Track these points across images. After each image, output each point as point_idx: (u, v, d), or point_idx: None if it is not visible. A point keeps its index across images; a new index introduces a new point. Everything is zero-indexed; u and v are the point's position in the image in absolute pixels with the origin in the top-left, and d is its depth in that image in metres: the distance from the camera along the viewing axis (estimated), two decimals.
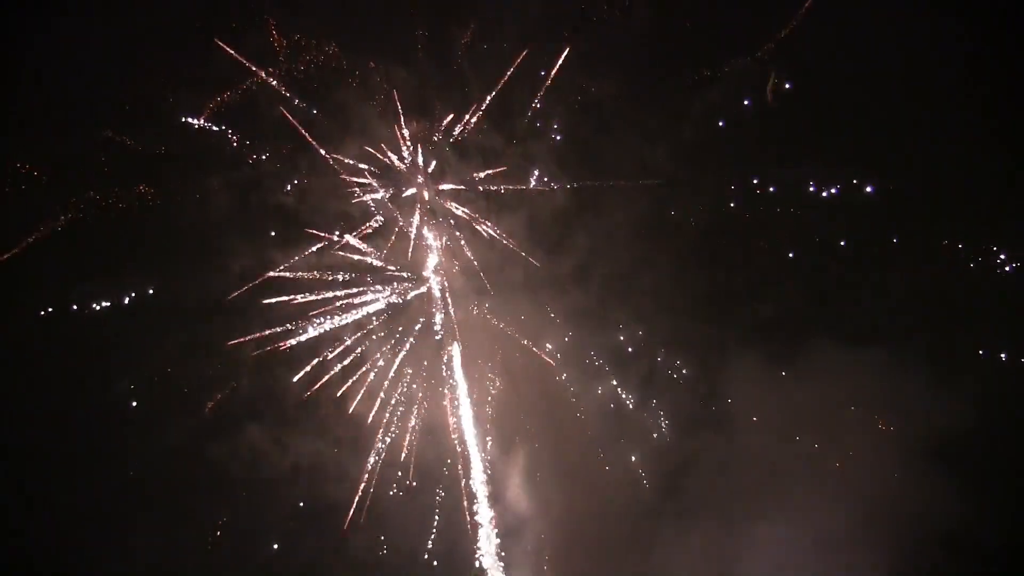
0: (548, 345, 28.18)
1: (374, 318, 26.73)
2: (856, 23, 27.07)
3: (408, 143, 26.12)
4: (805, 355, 27.67)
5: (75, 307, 26.19)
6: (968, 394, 25.71)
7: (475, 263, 26.84)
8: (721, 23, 27.91)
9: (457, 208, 26.78)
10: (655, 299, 28.34)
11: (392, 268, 26.63)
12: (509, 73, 26.03)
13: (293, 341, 25.82)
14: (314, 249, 25.97)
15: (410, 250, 26.42)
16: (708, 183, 28.18)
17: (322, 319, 26.10)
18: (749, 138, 28.24)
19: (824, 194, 28.34)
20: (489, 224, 26.56)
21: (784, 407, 27.82)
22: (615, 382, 28.65)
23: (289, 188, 26.06)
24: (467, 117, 26.37)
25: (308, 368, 25.99)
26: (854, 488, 26.46)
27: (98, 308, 26.10)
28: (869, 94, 27.80)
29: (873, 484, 26.29)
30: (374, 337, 26.73)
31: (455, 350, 27.28)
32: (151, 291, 26.16)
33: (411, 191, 26.61)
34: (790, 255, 29.01)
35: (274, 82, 25.24)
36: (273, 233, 26.35)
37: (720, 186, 28.24)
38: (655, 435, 28.68)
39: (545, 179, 27.29)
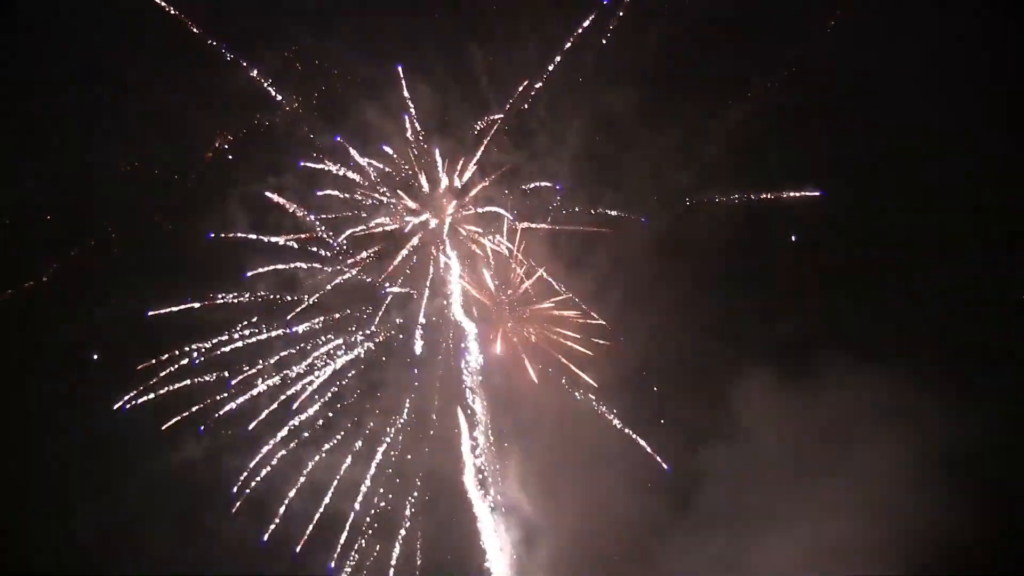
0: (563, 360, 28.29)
1: (392, 339, 26.98)
2: (874, 43, 27.22)
3: (427, 162, 26.35)
4: (818, 370, 27.68)
5: (98, 324, 26.36)
6: (983, 408, 25.74)
7: (494, 281, 27.07)
8: (739, 41, 28.01)
9: (476, 228, 27.04)
10: (671, 316, 28.41)
11: (411, 288, 26.77)
12: (524, 88, 26.32)
13: (310, 359, 26.12)
14: (333, 269, 26.27)
15: (430, 270, 26.62)
16: (724, 201, 28.21)
17: (341, 338, 26.38)
18: (764, 157, 28.40)
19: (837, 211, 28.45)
20: (508, 242, 26.81)
21: (797, 422, 27.91)
22: (630, 397, 28.74)
23: (311, 210, 26.17)
24: (489, 131, 26.61)
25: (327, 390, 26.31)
26: (867, 503, 26.47)
27: (119, 325, 26.25)
28: (887, 113, 27.94)
29: (887, 499, 26.25)
30: (385, 359, 27.08)
31: (471, 364, 27.45)
32: (170, 308, 26.05)
33: (427, 214, 26.79)
34: (804, 272, 29.11)
35: (296, 103, 25.46)
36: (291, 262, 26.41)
37: (736, 204, 28.30)
38: (667, 448, 28.77)
39: (558, 197, 27.54)
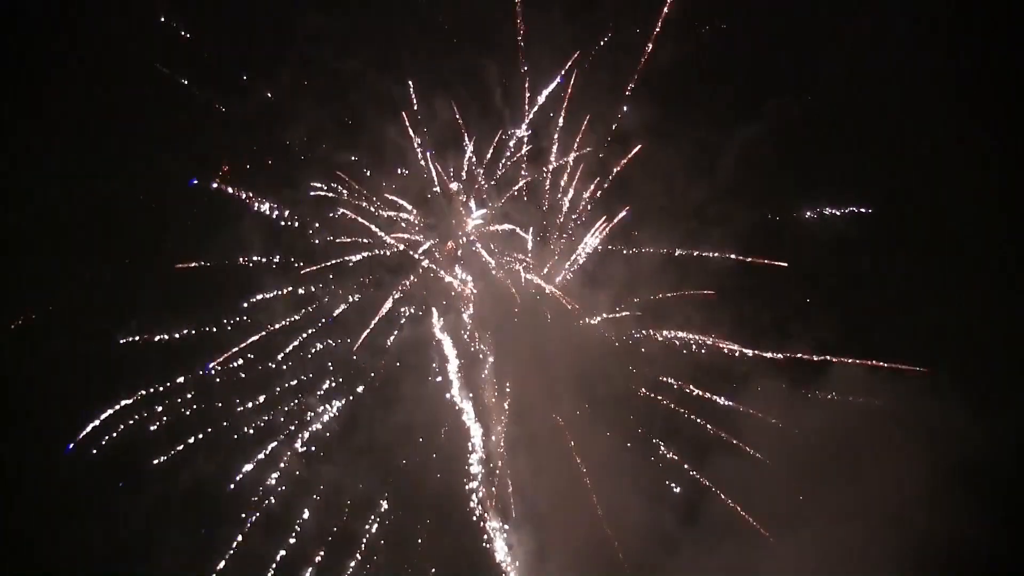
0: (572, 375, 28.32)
1: (406, 358, 27.08)
2: (891, 59, 27.27)
3: (442, 180, 26.33)
4: (830, 382, 27.88)
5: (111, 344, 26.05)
6: (1000, 420, 25.81)
7: (506, 298, 27.06)
8: (753, 57, 28.04)
9: (490, 245, 27.14)
10: (682, 328, 28.47)
11: (425, 307, 26.89)
12: (540, 104, 26.35)
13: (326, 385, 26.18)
14: (347, 288, 26.32)
15: (452, 291, 26.70)
16: (737, 216, 28.27)
17: (355, 356, 26.38)
18: (777, 171, 28.42)
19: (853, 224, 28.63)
20: (521, 258, 26.76)
21: (808, 433, 28.09)
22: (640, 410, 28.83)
23: (325, 232, 26.23)
24: (505, 148, 26.65)
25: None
26: (881, 516, 26.63)
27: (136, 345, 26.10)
28: (902, 127, 27.98)
29: (901, 510, 26.27)
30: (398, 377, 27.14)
31: (484, 378, 27.46)
32: (184, 331, 26.01)
33: (442, 232, 26.93)
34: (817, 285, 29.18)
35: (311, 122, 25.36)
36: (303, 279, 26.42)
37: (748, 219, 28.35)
38: (677, 462, 28.91)
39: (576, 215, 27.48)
